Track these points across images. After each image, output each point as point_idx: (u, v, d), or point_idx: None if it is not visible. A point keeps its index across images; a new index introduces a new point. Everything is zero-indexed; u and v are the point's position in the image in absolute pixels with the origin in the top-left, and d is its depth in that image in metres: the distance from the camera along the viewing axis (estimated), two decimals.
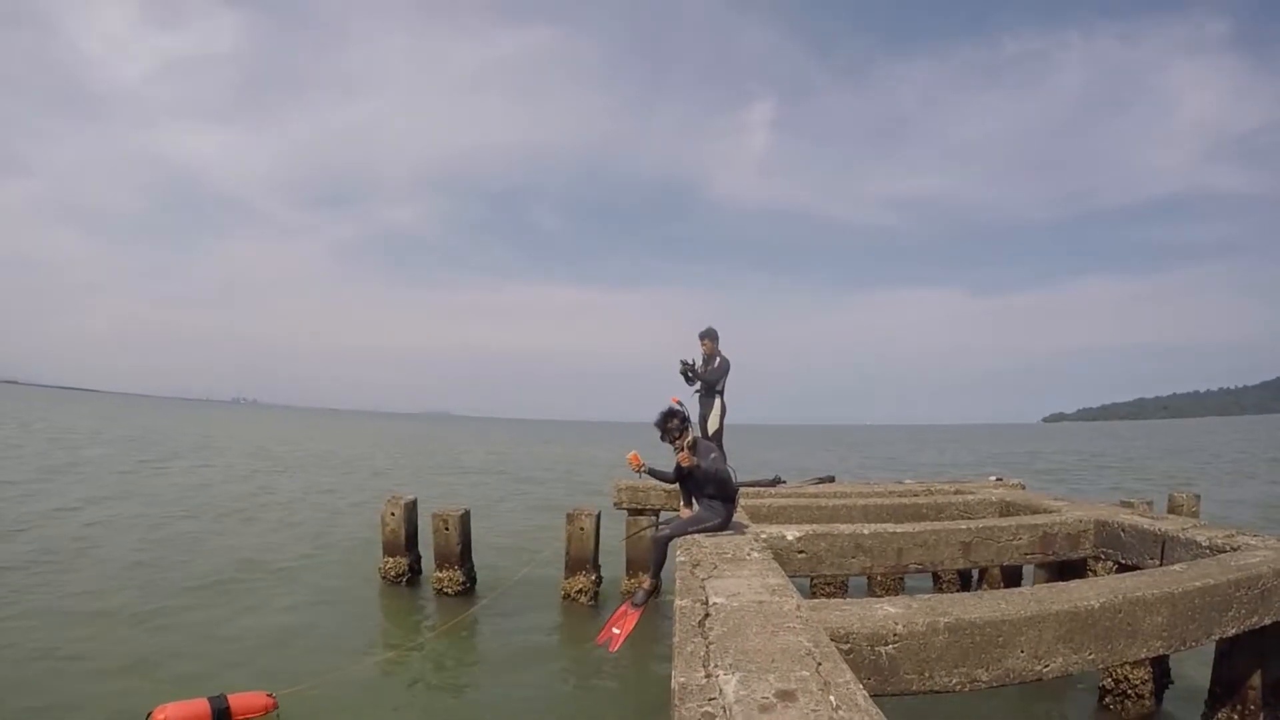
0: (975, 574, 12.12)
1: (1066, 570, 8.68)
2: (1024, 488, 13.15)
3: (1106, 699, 8.05)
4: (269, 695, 8.77)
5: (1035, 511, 9.34)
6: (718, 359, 11.58)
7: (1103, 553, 8.12)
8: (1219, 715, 6.52)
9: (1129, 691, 7.90)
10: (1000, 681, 4.69)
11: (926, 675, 4.43)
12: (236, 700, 8.43)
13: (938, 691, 4.50)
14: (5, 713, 8.69)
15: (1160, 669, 7.96)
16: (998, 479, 13.98)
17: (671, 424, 7.50)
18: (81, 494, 24.77)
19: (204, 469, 37.02)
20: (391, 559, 14.88)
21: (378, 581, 14.78)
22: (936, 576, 12.24)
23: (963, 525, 8.28)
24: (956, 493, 11.58)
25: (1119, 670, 7.98)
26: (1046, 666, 4.82)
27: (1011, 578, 11.03)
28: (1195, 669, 8.32)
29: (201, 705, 8.18)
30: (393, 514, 14.77)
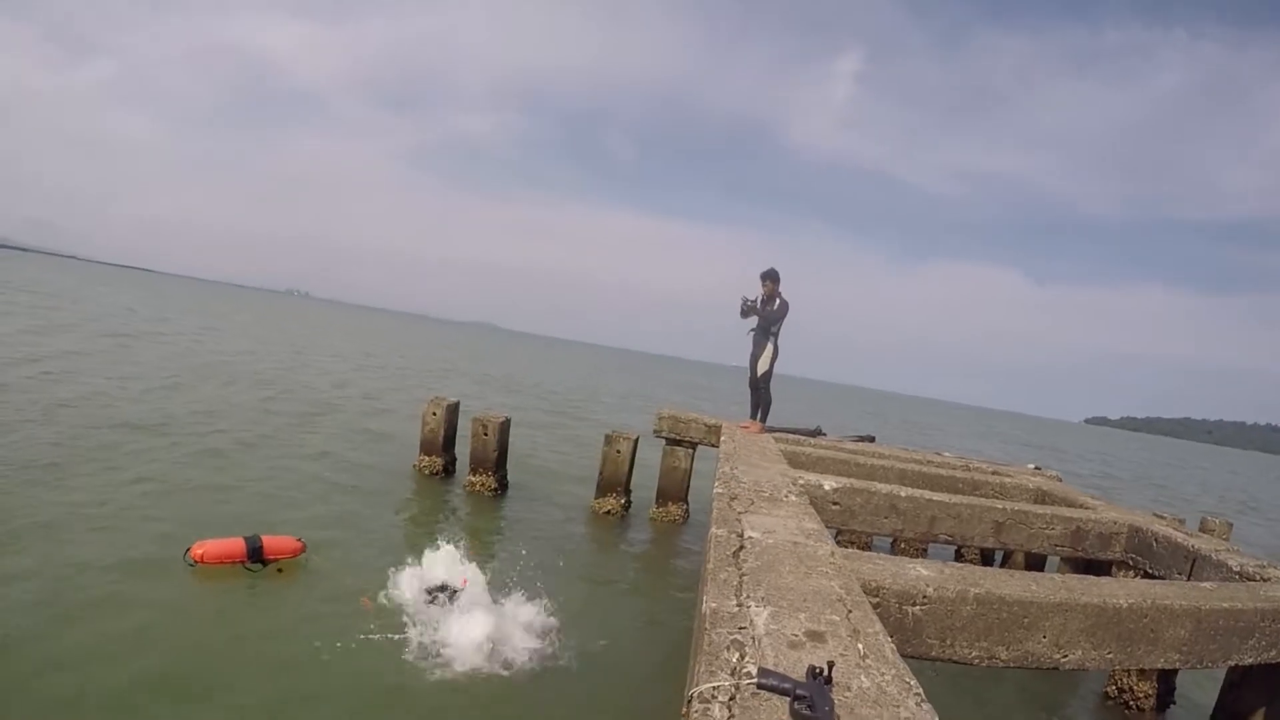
0: (999, 557, 12.05)
1: (1092, 570, 8.56)
2: (1060, 480, 12.94)
3: (1108, 704, 8.01)
4: (298, 540, 9.27)
5: (1070, 505, 9.19)
6: (778, 300, 11.46)
7: (1131, 558, 7.98)
8: None
9: (1131, 702, 7.85)
10: (1018, 663, 4.65)
11: (948, 643, 4.41)
12: (270, 541, 8.94)
13: (956, 661, 4.48)
14: (53, 534, 9.24)
15: (1166, 685, 7.89)
16: (1036, 467, 13.76)
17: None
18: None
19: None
20: (428, 457, 15.18)
21: (412, 476, 15.13)
22: (960, 554, 12.21)
23: (998, 505, 8.16)
24: (994, 473, 11.42)
25: (1125, 679, 7.94)
26: (1065, 657, 4.76)
27: (1035, 567, 10.94)
28: (1200, 693, 8.23)
29: (238, 543, 8.73)
30: (434, 414, 15.04)
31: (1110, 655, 4.93)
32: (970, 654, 4.47)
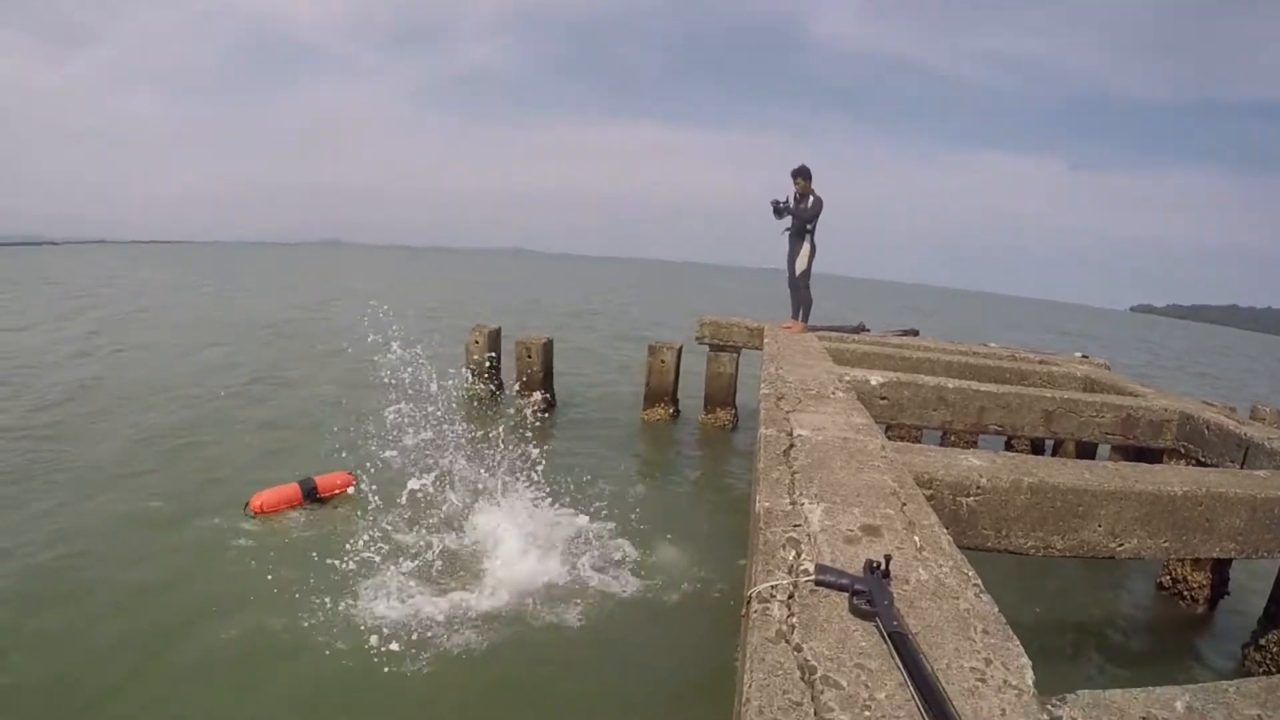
0: (1049, 447, 11.95)
1: (1143, 459, 8.43)
2: (1108, 368, 12.71)
3: (1162, 594, 7.98)
4: (349, 474, 9.68)
5: (1120, 393, 9.02)
6: (810, 198, 11.21)
7: (1183, 446, 7.83)
8: (1269, 637, 6.38)
9: (1184, 592, 7.81)
10: (1074, 552, 4.61)
11: (1003, 533, 4.38)
12: (323, 480, 9.40)
13: (1011, 552, 4.45)
14: (123, 487, 9.73)
15: (1220, 576, 7.81)
16: (1083, 356, 13.52)
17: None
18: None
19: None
20: (475, 384, 15.35)
21: (461, 402, 15.30)
22: (1009, 445, 12.14)
23: (1047, 394, 8.03)
24: (1041, 363, 11.23)
25: (1179, 569, 7.88)
26: (1121, 545, 4.70)
27: (1085, 457, 10.82)
28: (1255, 584, 8.15)
29: (294, 489, 9.14)
30: (476, 341, 15.24)
31: (1165, 544, 4.86)
32: (1026, 544, 4.45)
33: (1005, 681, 2.11)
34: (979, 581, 2.73)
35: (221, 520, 8.74)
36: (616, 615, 7.21)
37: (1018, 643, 2.33)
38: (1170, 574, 7.94)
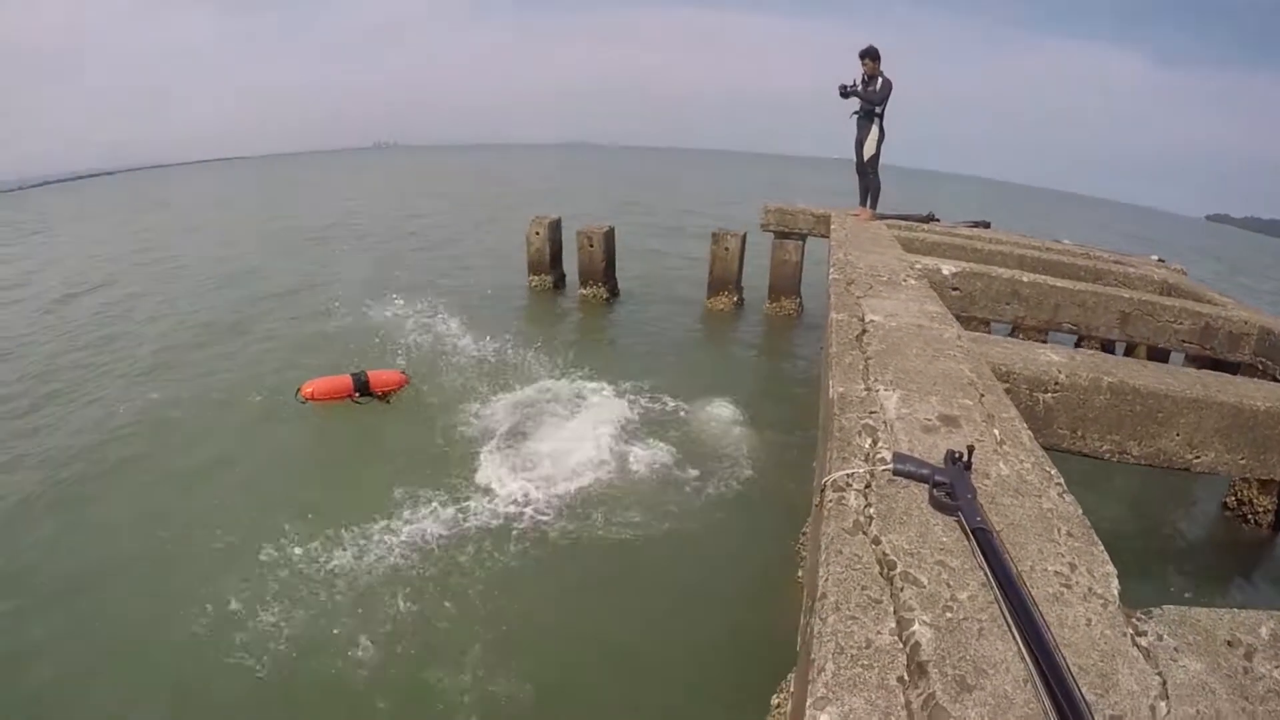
0: (1120, 352, 11.49)
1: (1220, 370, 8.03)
2: (1185, 274, 12.08)
3: (1226, 514, 7.71)
4: (402, 373, 9.76)
5: (1198, 300, 8.53)
6: (879, 80, 10.59)
7: (1261, 362, 7.38)
8: None
9: (1250, 515, 7.51)
10: (1149, 460, 4.36)
11: (1079, 434, 4.16)
12: (375, 375, 9.44)
13: (1086, 455, 4.23)
14: (182, 381, 10.25)
15: None
16: (1159, 259, 12.86)
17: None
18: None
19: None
20: (536, 276, 15.30)
21: (524, 296, 15.19)
22: (1079, 346, 11.69)
23: (1125, 294, 7.61)
24: (1116, 262, 10.69)
25: (1245, 490, 7.57)
26: (1198, 458, 4.43)
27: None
28: None
29: (345, 380, 9.25)
30: (537, 233, 15.01)
31: (1243, 461, 4.57)
32: (1101, 447, 4.22)
33: (1090, 590, 1.95)
34: (1061, 480, 2.55)
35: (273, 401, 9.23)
36: (681, 502, 7.23)
37: (1103, 549, 2.16)
38: (1236, 494, 7.63)
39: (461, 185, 49.89)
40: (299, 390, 9.05)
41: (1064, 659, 1.57)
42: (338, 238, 23.12)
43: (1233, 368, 7.77)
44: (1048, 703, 1.49)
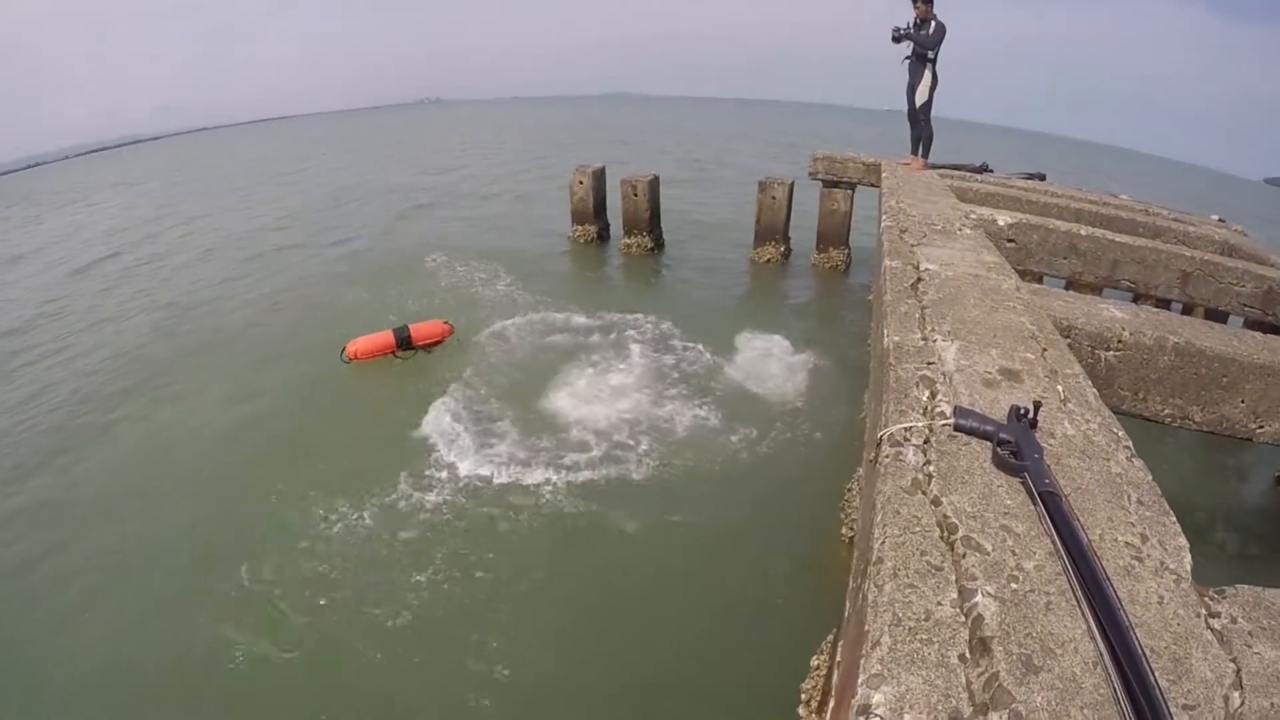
0: (1179, 312, 11.06)
1: None
2: (1246, 235, 11.55)
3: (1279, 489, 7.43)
4: (446, 323, 9.75)
5: (1261, 263, 8.11)
6: (932, 23, 10.12)
7: None
8: None
9: None
10: (1212, 428, 4.09)
11: (1141, 397, 3.91)
12: (417, 329, 9.48)
13: (1147, 418, 3.97)
14: (239, 346, 10.45)
15: None
16: (1219, 219, 12.31)
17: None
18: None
19: None
20: (580, 226, 15.03)
21: (568, 246, 14.97)
22: (1136, 304, 11.28)
23: (1186, 252, 7.24)
24: (1176, 220, 10.23)
25: None
26: (1262, 429, 4.14)
27: None
28: None
29: (387, 336, 9.32)
30: (581, 182, 14.70)
31: None
32: (1163, 411, 3.97)
33: (1163, 564, 1.77)
34: (1130, 443, 2.35)
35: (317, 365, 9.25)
36: (721, 454, 7.12)
37: (1174, 519, 1.98)
38: None
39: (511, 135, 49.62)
40: (343, 350, 9.15)
41: (1138, 641, 1.41)
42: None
43: None
44: (1120, 690, 1.34)
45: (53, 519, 6.53)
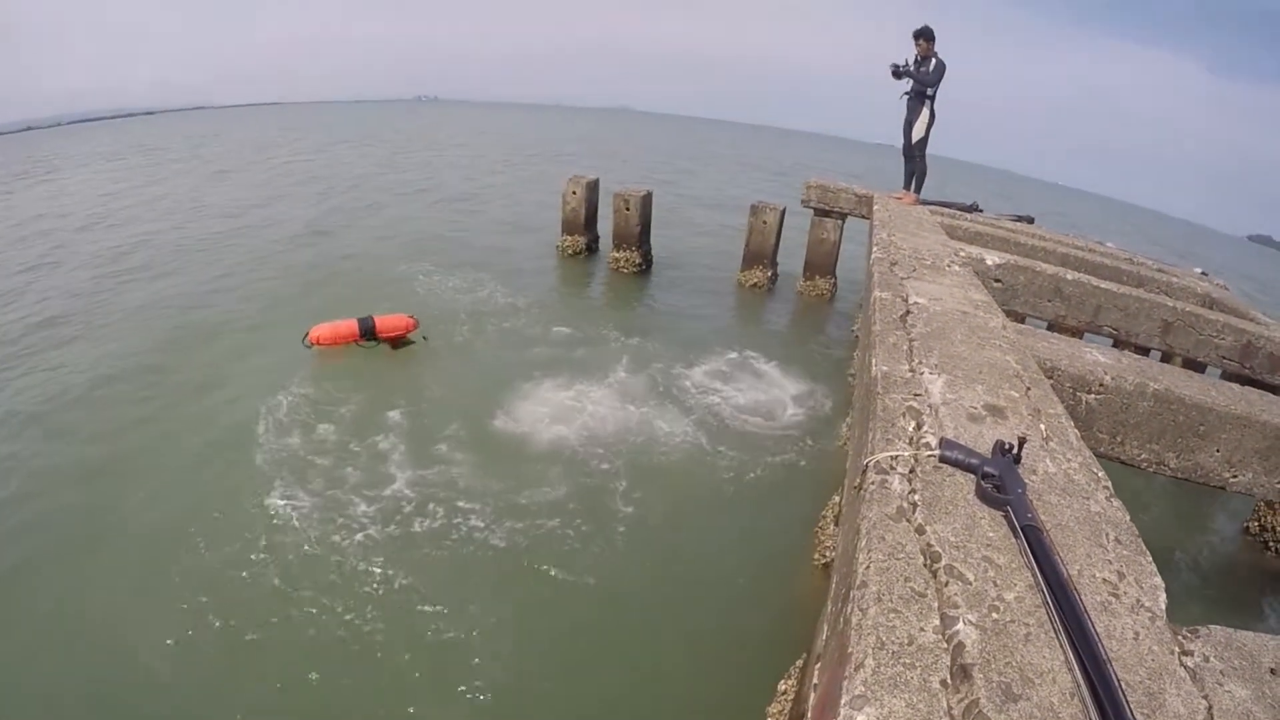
0: (1158, 359, 11.16)
1: None
2: (1228, 290, 11.68)
3: (1247, 538, 7.49)
4: (410, 317, 9.72)
5: (1241, 317, 8.21)
6: (932, 61, 10.25)
7: None
8: None
9: (1270, 542, 7.30)
10: (1185, 474, 4.12)
11: (1119, 440, 3.94)
12: (382, 321, 9.47)
13: (1124, 462, 4.00)
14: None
15: None
16: (1202, 273, 12.46)
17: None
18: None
19: None
20: (570, 237, 14.90)
21: (555, 256, 14.92)
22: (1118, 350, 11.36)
23: (1169, 303, 7.33)
24: (1159, 270, 10.35)
25: (1269, 517, 7.35)
26: (1235, 478, 4.18)
27: None
28: None
29: (351, 324, 9.32)
30: (574, 193, 14.58)
31: (1279, 484, 4.36)
32: (1140, 456, 4.00)
33: (1138, 601, 1.79)
34: (1109, 484, 2.37)
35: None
36: (695, 475, 7.10)
37: (1150, 558, 2.00)
38: (1259, 520, 7.40)
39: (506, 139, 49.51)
40: (306, 335, 9.12)
41: (1115, 674, 1.43)
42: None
43: (1271, 389, 7.48)
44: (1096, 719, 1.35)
45: None
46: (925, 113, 10.62)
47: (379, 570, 5.39)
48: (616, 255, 14.16)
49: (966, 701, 1.36)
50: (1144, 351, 10.91)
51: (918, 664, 1.43)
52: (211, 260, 13.24)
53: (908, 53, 10.30)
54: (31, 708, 4.28)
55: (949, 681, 1.41)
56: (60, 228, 15.83)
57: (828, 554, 5.57)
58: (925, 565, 1.71)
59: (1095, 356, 4.11)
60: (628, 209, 13.86)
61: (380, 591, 5.20)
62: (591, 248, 15.07)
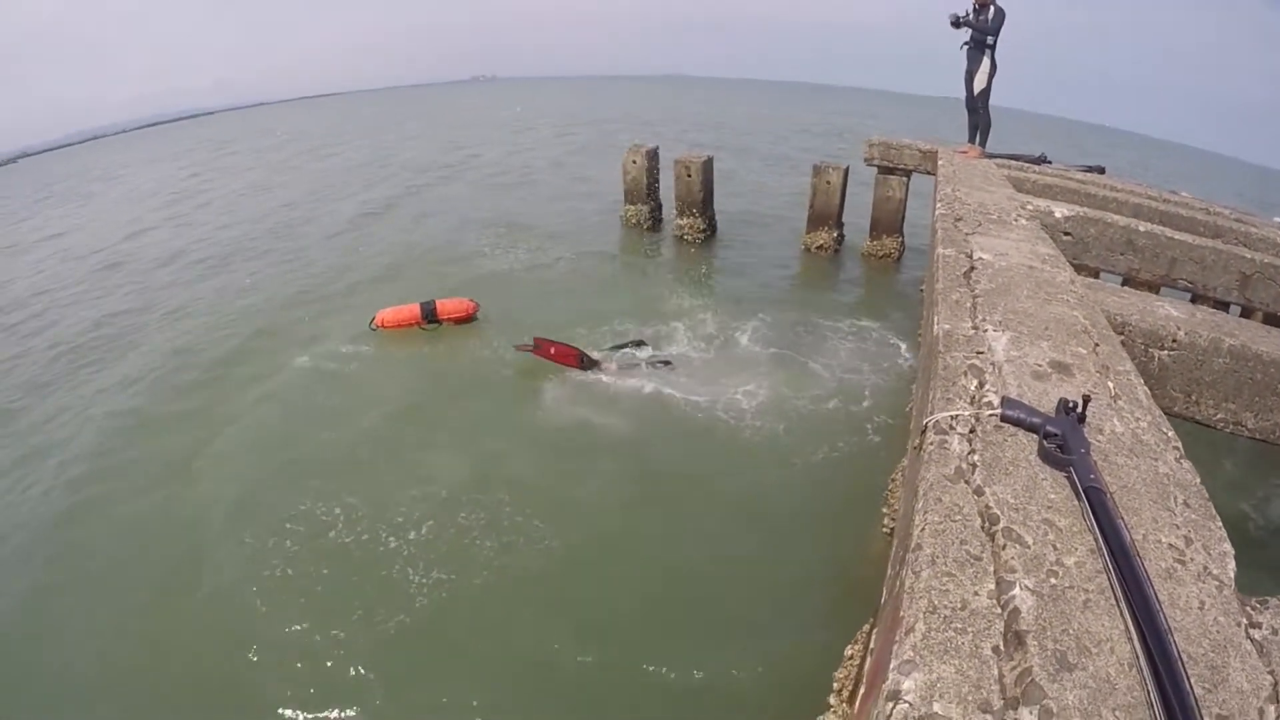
0: (1237, 315, 10.63)
1: None
2: None
3: None
4: (472, 301, 9.91)
5: None
6: (991, 9, 9.79)
7: None
8: None
9: None
10: (1264, 435, 3.87)
11: (1193, 399, 3.72)
12: (443, 304, 9.69)
13: (1198, 422, 3.79)
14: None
15: None
16: None
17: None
18: None
19: None
20: (632, 207, 14.63)
21: (618, 227, 14.72)
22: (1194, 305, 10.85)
23: (1247, 254, 6.92)
24: (1238, 220, 9.80)
25: None
26: None
27: None
28: None
29: (414, 309, 9.61)
30: (634, 162, 14.28)
31: None
32: (1215, 416, 3.78)
33: (1205, 569, 1.69)
34: (1179, 444, 2.24)
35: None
36: (770, 444, 7.03)
37: (1220, 523, 1.88)
38: None
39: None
40: (372, 319, 9.55)
41: (1176, 645, 1.35)
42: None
43: None
44: (1154, 694, 1.28)
45: None
46: (986, 63, 10.19)
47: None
48: (681, 223, 13.88)
49: (1019, 669, 1.31)
50: (1223, 306, 10.43)
51: (970, 629, 1.37)
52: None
53: (966, 3, 9.88)
54: None
55: (1001, 648, 1.35)
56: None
57: (895, 518, 5.48)
58: (983, 528, 1.64)
59: (1168, 310, 3.90)
60: (689, 175, 13.53)
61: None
62: (655, 216, 14.79)
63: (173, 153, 34.88)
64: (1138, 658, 1.35)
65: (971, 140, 10.80)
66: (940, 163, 9.29)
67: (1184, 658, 1.34)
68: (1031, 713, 1.23)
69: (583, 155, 24.46)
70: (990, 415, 2.10)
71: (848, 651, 3.90)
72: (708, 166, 13.61)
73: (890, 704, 1.23)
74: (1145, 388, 2.60)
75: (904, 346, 9.17)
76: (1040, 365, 2.53)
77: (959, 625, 1.38)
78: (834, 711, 3.51)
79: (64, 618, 5.16)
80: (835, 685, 3.74)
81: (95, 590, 5.41)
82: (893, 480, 5.79)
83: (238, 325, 10.14)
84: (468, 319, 9.78)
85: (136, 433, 7.49)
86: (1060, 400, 2.11)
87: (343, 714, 4.34)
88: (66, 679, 4.74)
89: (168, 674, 4.69)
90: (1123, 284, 9.98)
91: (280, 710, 4.37)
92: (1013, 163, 10.49)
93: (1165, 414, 3.55)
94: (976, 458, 1.91)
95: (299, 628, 4.88)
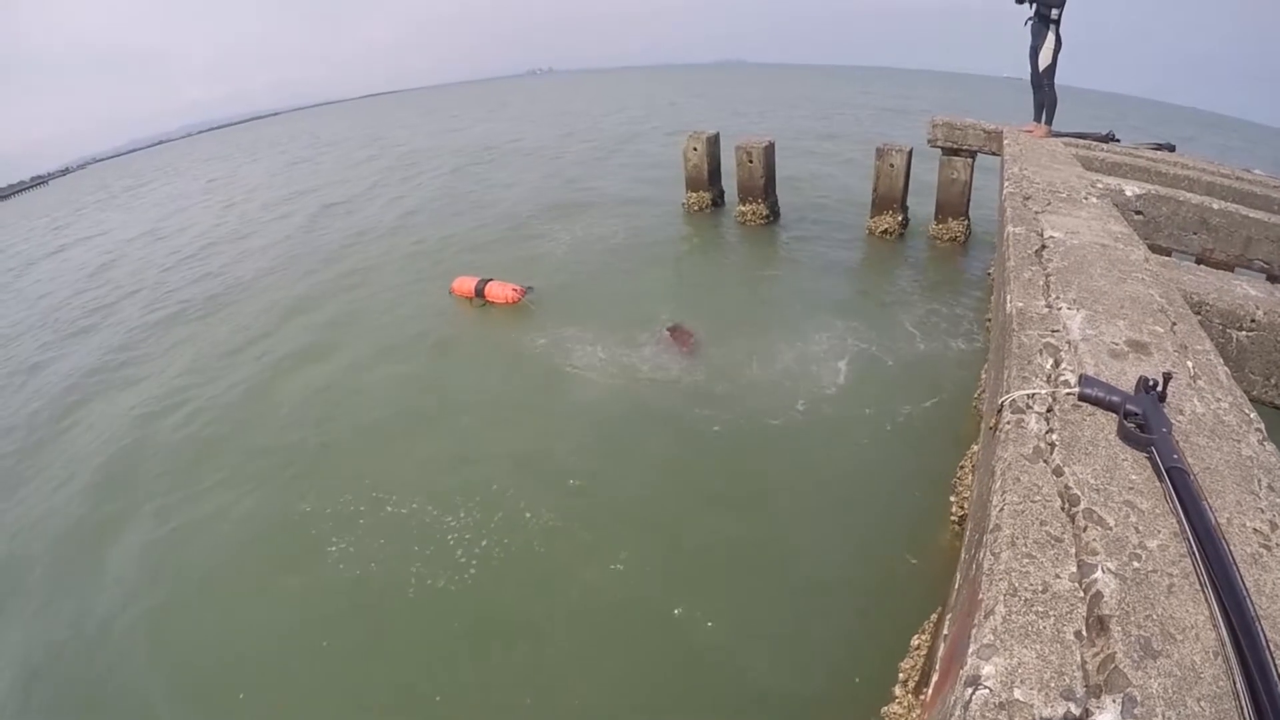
0: None
1: None
2: None
3: None
4: (518, 287, 10.19)
5: None
6: None
7: None
8: None
9: None
10: None
11: (1273, 382, 3.46)
12: (492, 286, 10.18)
13: (1277, 407, 3.56)
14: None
15: None
16: None
17: None
18: None
19: None
20: (694, 194, 14.32)
21: (681, 214, 14.40)
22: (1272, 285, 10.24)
23: None
24: None
25: None
26: None
27: None
28: None
29: (474, 281, 10.31)
30: (695, 149, 13.92)
31: None
32: None
33: None
34: (1262, 426, 2.09)
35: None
36: (837, 432, 6.86)
37: None
38: None
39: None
40: (450, 285, 10.52)
41: (1264, 633, 1.25)
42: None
43: None
44: (1241, 683, 1.18)
45: None
46: (1050, 38, 9.62)
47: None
48: (743, 209, 13.47)
49: (1102, 656, 1.22)
50: None
51: (1052, 613, 1.29)
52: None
53: None
54: None
55: (1084, 633, 1.26)
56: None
57: (964, 507, 5.30)
58: (1063, 508, 1.54)
59: (1246, 290, 3.65)
60: (751, 161, 13.08)
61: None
62: (717, 202, 14.41)
63: (355, 141, 35.23)
64: (1223, 645, 1.25)
65: (1037, 119, 10.30)
66: (1006, 142, 8.93)
67: (1271, 646, 1.24)
68: (1115, 701, 1.15)
69: (649, 141, 24.29)
70: (1068, 394, 1.98)
71: (914, 642, 3.79)
72: (769, 151, 13.15)
73: (969, 690, 1.16)
74: (1225, 368, 2.44)
75: (974, 331, 8.84)
76: (1117, 344, 2.38)
77: (1040, 609, 1.29)
78: (899, 702, 3.41)
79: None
80: (901, 676, 3.64)
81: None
82: (960, 468, 5.59)
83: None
84: (515, 304, 10.05)
85: None
86: (1140, 378, 1.98)
87: None
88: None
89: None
90: (1196, 264, 9.50)
91: None
92: (1080, 141, 10.01)
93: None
94: (1055, 437, 1.80)
95: None
